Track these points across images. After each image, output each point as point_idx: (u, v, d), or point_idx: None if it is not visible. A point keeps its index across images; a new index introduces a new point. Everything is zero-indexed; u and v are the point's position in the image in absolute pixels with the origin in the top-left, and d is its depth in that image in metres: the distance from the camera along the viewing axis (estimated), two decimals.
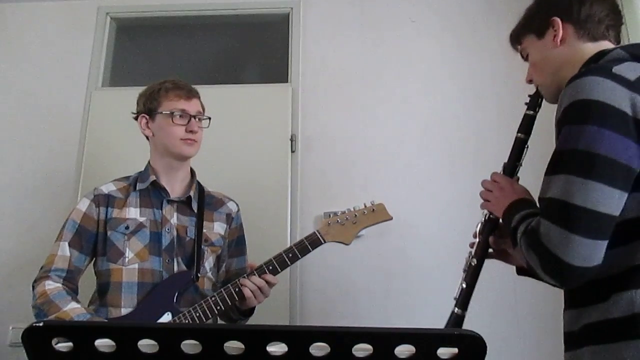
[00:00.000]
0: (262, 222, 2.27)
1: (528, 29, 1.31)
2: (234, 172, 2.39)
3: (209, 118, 1.78)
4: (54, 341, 0.72)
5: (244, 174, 2.40)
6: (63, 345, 0.72)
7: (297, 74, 2.59)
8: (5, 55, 2.73)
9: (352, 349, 0.69)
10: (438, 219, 2.34)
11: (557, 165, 1.02)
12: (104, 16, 2.77)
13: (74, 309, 1.49)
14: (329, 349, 0.69)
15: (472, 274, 1.31)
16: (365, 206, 1.70)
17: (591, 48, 1.21)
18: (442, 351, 0.70)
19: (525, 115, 1.34)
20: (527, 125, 1.33)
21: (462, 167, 2.39)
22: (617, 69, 1.04)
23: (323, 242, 1.65)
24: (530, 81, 1.35)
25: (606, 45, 1.21)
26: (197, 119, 1.71)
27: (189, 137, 1.68)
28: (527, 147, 1.34)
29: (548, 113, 1.28)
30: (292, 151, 2.45)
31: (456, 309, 1.30)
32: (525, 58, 1.34)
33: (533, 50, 1.29)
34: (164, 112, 1.69)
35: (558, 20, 1.23)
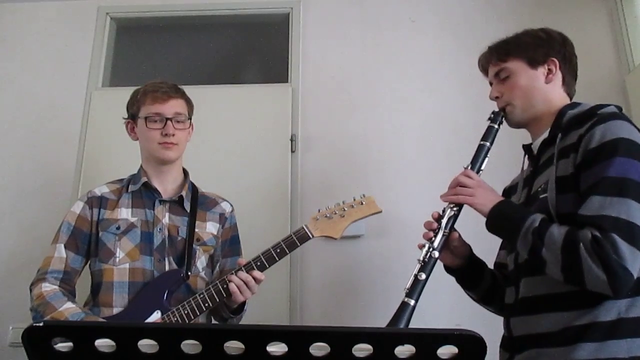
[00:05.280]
0: (262, 222, 2.27)
1: (522, 54, 1.41)
2: (234, 172, 2.39)
3: (190, 119, 1.76)
4: (54, 341, 0.72)
5: (244, 174, 2.40)
6: (63, 345, 0.72)
7: (297, 74, 2.59)
8: (5, 55, 2.73)
9: (352, 349, 0.69)
10: None
11: (615, 190, 1.14)
12: (104, 16, 2.77)
13: (68, 309, 1.51)
14: (329, 349, 0.69)
15: (431, 266, 1.35)
16: (354, 200, 1.67)
17: (565, 98, 1.42)
18: (442, 351, 0.70)
19: (490, 127, 1.46)
20: (492, 136, 1.46)
21: (461, 166, 2.39)
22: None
23: (311, 236, 1.62)
24: (496, 98, 1.46)
25: (568, 100, 1.42)
26: (174, 121, 1.69)
27: (165, 141, 1.67)
28: (488, 157, 1.46)
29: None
30: (292, 151, 2.45)
31: (407, 298, 1.31)
32: (502, 77, 1.43)
33: (521, 74, 1.41)
34: (141, 117, 1.70)
35: (557, 62, 1.40)
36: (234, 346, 0.70)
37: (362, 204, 1.66)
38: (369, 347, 0.69)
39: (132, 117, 1.74)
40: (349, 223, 1.66)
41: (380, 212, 1.68)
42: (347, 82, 2.56)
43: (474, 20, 2.62)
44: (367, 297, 2.27)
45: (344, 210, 1.65)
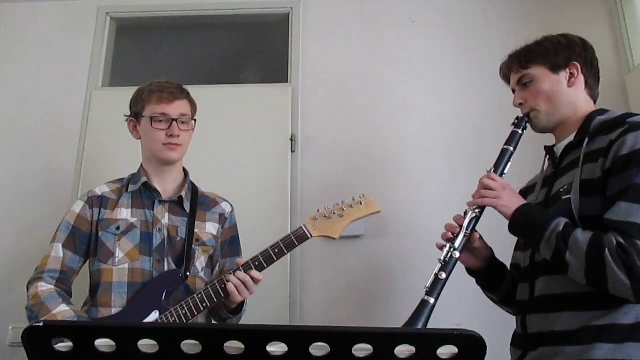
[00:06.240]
0: (262, 222, 2.27)
1: (543, 60, 1.42)
2: (234, 172, 2.39)
3: (194, 120, 1.75)
4: (54, 341, 0.72)
5: (244, 174, 2.40)
6: (63, 345, 0.72)
7: (297, 74, 2.59)
8: (5, 55, 2.73)
9: (352, 349, 0.69)
10: (438, 219, 2.33)
11: None
12: (104, 16, 2.77)
13: (62, 312, 1.51)
14: (329, 349, 0.69)
15: (452, 266, 1.37)
16: (353, 199, 1.67)
17: (589, 102, 1.43)
18: (442, 351, 0.70)
19: (514, 132, 1.47)
20: (516, 141, 1.47)
21: (462, 166, 2.39)
22: None
23: (310, 236, 1.62)
24: (520, 104, 1.47)
25: (593, 105, 1.43)
26: (179, 122, 1.69)
27: (170, 142, 1.67)
28: (511, 161, 1.47)
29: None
30: (292, 151, 2.45)
31: (427, 297, 1.33)
32: (525, 82, 1.44)
33: (544, 80, 1.41)
34: (146, 116, 1.69)
35: (579, 66, 1.40)
36: (234, 346, 0.70)
37: (361, 203, 1.66)
38: (369, 347, 0.69)
39: (136, 115, 1.74)
40: (348, 223, 1.65)
41: (379, 212, 1.68)
42: (347, 82, 2.56)
43: (474, 20, 2.61)
44: (367, 297, 2.26)
45: (343, 210, 1.65)
